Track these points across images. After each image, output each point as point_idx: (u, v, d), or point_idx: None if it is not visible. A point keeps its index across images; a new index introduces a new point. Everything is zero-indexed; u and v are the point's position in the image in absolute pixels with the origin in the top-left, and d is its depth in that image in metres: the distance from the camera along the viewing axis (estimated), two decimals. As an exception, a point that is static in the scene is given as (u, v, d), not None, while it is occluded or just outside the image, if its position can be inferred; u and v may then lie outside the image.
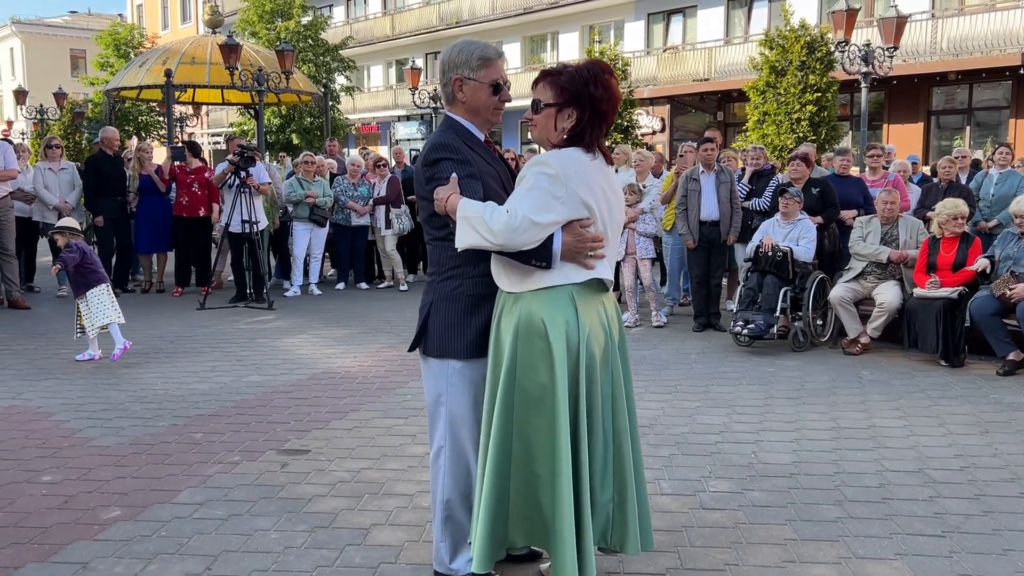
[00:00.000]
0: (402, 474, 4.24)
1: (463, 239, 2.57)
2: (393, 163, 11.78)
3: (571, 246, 2.57)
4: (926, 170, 14.40)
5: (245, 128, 27.17)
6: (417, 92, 19.80)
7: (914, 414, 5.26)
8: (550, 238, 2.54)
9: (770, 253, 7.20)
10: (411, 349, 2.97)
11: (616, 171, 9.26)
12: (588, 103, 2.61)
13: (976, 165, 12.22)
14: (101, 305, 6.59)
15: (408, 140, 30.44)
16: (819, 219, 7.56)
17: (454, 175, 2.69)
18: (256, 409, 5.38)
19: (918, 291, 6.73)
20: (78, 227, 7.12)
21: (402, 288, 10.72)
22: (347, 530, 3.57)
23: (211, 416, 5.22)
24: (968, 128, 19.45)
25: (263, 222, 9.62)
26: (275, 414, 5.27)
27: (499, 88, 2.87)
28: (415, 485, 4.08)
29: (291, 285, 10.43)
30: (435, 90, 20.23)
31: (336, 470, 4.29)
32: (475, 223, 2.52)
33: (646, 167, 9.03)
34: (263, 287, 9.57)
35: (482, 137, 2.93)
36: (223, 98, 18.69)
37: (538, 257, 2.55)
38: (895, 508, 3.79)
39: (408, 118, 31.68)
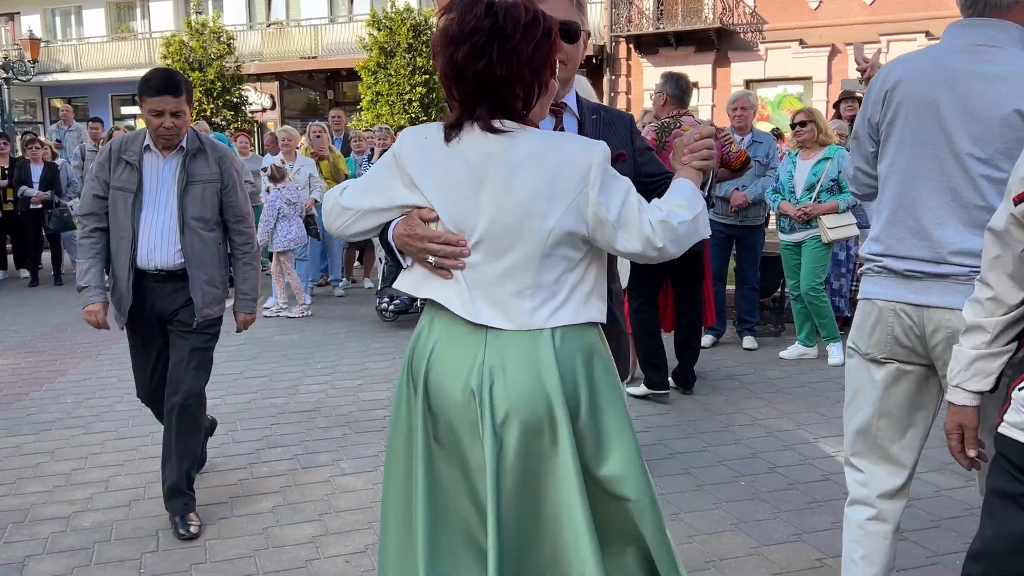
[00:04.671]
0: (49, 496, 3.72)
1: None
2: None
3: (400, 239, 1.87)
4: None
5: None
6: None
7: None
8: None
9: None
10: None
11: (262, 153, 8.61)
12: None
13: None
14: None
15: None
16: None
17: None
18: None
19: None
20: None
21: (-9, 286, 9.28)
22: (-5, 570, 3.07)
23: None
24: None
25: None
26: None
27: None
28: (68, 506, 3.61)
29: None
30: None
31: (-39, 504, 3.64)
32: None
33: (292, 146, 8.28)
34: None
35: None
36: None
37: (387, 250, 1.94)
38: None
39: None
